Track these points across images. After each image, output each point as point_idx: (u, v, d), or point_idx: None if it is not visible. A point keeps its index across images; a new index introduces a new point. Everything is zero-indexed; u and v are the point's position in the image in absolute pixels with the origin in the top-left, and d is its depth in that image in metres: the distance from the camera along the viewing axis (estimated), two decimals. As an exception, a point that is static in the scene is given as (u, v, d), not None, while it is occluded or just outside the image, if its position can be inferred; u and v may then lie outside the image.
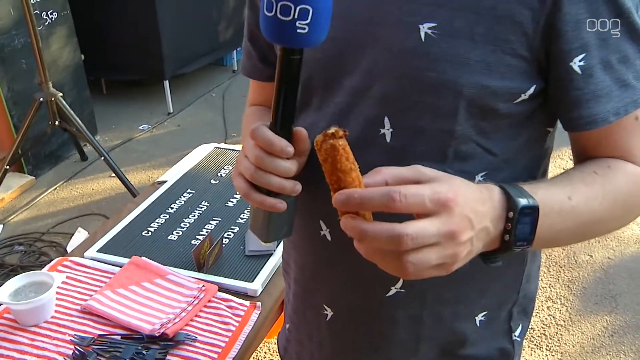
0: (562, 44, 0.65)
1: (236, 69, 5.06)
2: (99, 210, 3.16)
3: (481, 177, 0.72)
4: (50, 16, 3.41)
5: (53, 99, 3.00)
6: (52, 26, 3.44)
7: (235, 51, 4.99)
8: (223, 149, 2.04)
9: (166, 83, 4.21)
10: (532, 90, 0.67)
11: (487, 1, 0.64)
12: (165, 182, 1.83)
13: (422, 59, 0.66)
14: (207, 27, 4.45)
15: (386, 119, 0.71)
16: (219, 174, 1.86)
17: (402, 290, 0.78)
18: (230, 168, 1.88)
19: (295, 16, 0.57)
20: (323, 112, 0.77)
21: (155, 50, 4.00)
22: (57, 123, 3.08)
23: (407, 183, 0.56)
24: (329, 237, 0.79)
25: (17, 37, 3.18)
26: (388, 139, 0.71)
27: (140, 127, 4.09)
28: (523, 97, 0.67)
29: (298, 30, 0.58)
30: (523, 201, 0.59)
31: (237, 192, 0.73)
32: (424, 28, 0.66)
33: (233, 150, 2.03)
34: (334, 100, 0.75)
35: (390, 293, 0.78)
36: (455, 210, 0.54)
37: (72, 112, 3.05)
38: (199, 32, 4.37)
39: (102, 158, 3.08)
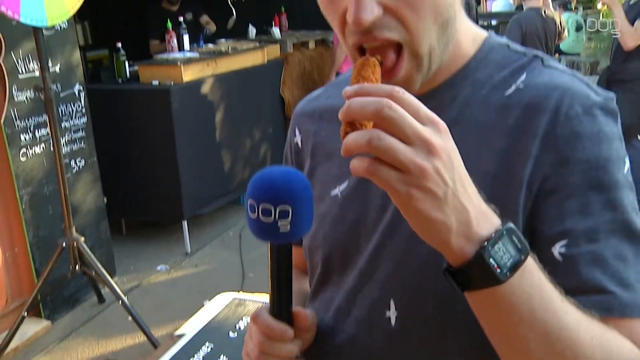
0: (543, 227, 0.66)
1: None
2: (114, 356, 3.11)
3: None
4: (78, 164, 3.59)
5: (75, 243, 3.07)
6: (79, 173, 3.61)
7: (252, 190, 5.14)
8: (241, 299, 2.05)
9: (184, 223, 4.31)
10: None
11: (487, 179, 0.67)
12: (184, 335, 1.83)
13: (429, 246, 0.68)
14: (225, 169, 4.63)
15: (392, 302, 0.73)
16: (237, 326, 1.86)
17: None
18: (249, 320, 1.88)
19: (276, 217, 0.61)
20: (339, 289, 0.80)
21: (175, 192, 4.15)
22: (77, 268, 3.13)
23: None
24: None
25: (47, 186, 3.33)
26: (393, 322, 0.73)
27: (158, 269, 4.12)
28: None
29: (281, 230, 0.61)
30: (516, 231, 0.57)
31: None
32: None
33: (252, 301, 2.04)
34: (348, 279, 0.79)
35: None
36: (435, 159, 0.53)
37: (92, 256, 3.10)
38: (217, 174, 4.54)
39: (120, 302, 3.08)
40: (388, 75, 0.68)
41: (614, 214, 0.66)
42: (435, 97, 0.73)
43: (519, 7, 8.71)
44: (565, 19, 8.49)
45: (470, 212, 0.56)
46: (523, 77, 0.73)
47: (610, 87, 4.13)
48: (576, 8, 10.41)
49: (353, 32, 0.65)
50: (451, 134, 0.56)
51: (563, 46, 8.00)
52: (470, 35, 0.77)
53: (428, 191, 0.54)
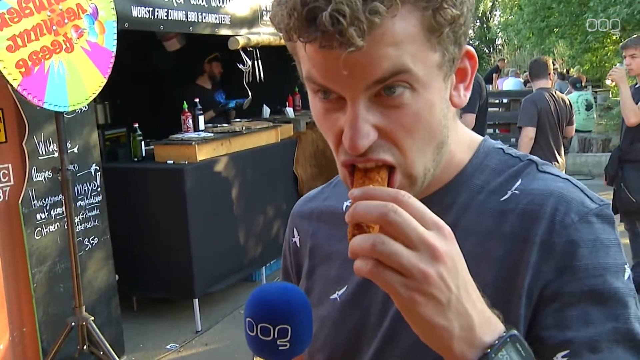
0: (544, 336, 0.66)
1: (264, 283, 5.13)
2: None
3: None
4: (91, 242, 3.62)
5: (84, 323, 3.05)
6: (91, 251, 3.63)
7: (264, 267, 5.11)
8: (248, 387, 2.01)
9: (196, 301, 4.27)
10: None
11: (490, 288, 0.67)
12: None
13: (429, 354, 0.68)
14: (238, 246, 4.63)
15: None
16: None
17: None
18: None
19: (275, 335, 0.60)
20: None
21: (187, 270, 4.14)
22: (85, 347, 3.09)
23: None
24: None
25: (59, 264, 3.35)
26: None
27: (168, 347, 4.06)
28: None
29: (280, 348, 0.61)
30: (520, 338, 0.57)
31: None
32: None
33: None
34: None
35: None
36: (440, 265, 0.53)
37: (101, 336, 3.07)
38: (230, 252, 4.54)
39: (126, 384, 3.02)
40: None
41: (616, 324, 0.65)
42: (432, 203, 0.74)
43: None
44: (575, 98, 8.66)
45: (473, 317, 0.56)
46: (518, 182, 0.74)
47: (622, 166, 4.17)
48: (585, 87, 10.60)
49: (348, 153, 0.66)
50: None
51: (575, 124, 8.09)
52: (464, 142, 0.78)
53: (431, 297, 0.54)
